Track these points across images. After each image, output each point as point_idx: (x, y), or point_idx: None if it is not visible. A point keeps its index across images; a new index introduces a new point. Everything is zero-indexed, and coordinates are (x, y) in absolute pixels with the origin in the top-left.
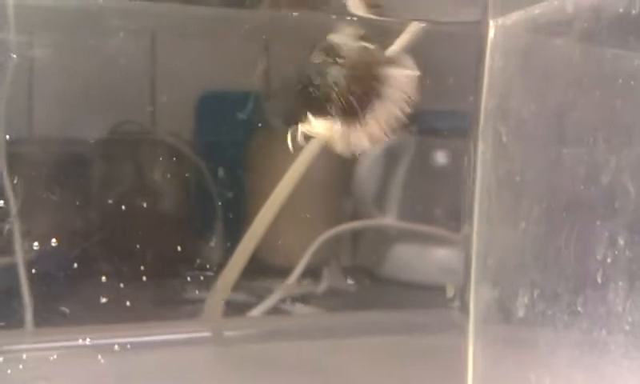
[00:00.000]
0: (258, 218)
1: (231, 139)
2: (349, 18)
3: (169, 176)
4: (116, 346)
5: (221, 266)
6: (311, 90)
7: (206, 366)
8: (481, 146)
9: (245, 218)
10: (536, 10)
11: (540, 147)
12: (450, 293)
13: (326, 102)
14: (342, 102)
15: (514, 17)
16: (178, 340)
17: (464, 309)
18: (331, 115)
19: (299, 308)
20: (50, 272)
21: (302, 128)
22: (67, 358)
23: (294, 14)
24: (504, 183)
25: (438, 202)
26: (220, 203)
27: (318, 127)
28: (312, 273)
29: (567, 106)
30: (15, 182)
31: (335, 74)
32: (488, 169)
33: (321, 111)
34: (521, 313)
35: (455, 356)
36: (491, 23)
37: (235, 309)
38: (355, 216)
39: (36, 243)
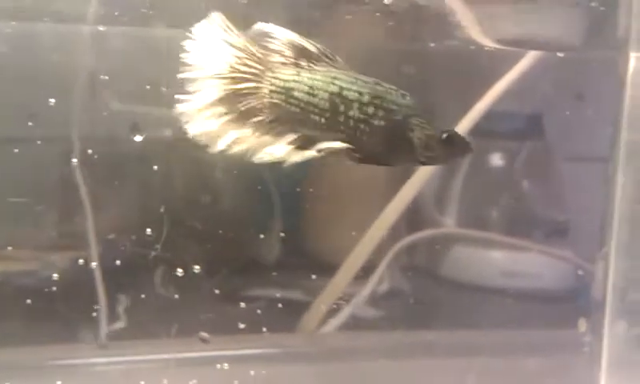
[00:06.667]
0: (365, 238)
1: None
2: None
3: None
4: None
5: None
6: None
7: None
8: (620, 179)
9: None
10: None
11: None
12: (581, 328)
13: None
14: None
15: None
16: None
17: (597, 340)
18: None
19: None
20: None
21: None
22: None
23: None
24: None
25: (573, 232)
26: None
27: None
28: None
29: None
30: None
31: None
32: (629, 203)
33: None
34: None
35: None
36: (632, 55)
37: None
38: None
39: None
